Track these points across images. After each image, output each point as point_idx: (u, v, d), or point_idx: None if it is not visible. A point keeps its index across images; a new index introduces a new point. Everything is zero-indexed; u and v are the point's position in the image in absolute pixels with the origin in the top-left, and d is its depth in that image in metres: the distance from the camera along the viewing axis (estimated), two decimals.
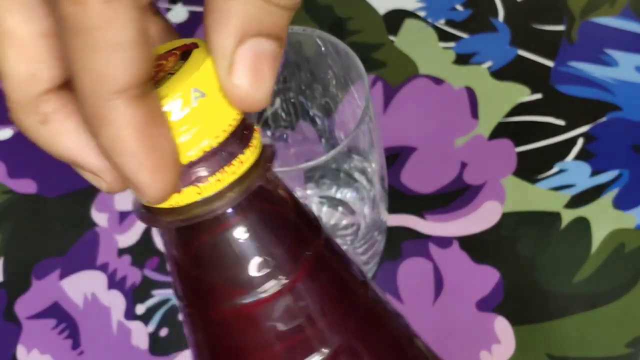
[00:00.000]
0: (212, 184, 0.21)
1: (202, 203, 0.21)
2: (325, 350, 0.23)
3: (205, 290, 0.23)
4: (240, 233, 0.22)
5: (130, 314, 0.45)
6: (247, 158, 0.21)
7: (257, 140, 0.22)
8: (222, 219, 0.22)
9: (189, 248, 0.22)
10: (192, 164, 0.20)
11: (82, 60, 0.17)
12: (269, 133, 0.45)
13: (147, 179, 0.19)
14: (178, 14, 0.57)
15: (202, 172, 0.20)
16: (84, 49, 0.17)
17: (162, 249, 0.24)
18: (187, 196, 0.21)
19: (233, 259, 0.22)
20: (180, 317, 0.25)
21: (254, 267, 0.22)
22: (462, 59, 0.53)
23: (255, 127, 0.22)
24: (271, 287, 0.22)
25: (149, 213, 0.21)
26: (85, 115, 0.18)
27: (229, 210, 0.21)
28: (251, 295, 0.22)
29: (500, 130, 0.50)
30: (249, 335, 0.23)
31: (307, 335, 0.23)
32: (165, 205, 0.21)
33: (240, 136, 0.21)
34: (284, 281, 0.22)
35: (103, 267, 0.47)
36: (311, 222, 0.24)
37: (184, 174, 0.20)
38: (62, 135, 0.20)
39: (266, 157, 0.22)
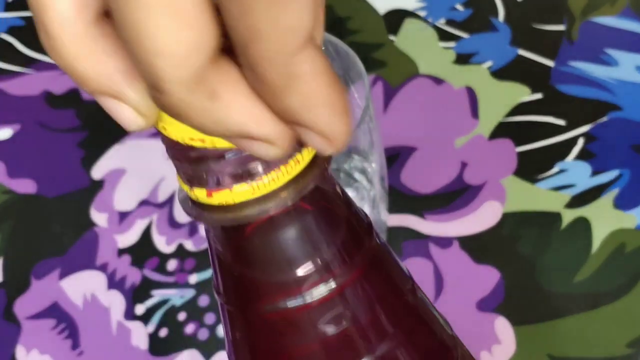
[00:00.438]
0: (266, 183, 0.19)
1: (253, 202, 0.20)
2: (372, 357, 0.22)
3: (250, 290, 0.22)
4: (291, 233, 0.21)
5: (129, 314, 0.45)
6: (303, 157, 0.20)
7: None
8: (273, 218, 0.21)
9: (235, 245, 0.21)
10: (247, 161, 0.19)
11: (272, 15, 0.16)
12: None
13: (341, 124, 0.18)
14: None
15: (256, 169, 0.19)
16: (275, 1, 0.16)
17: (206, 242, 0.23)
18: (239, 194, 0.20)
19: (282, 259, 0.21)
20: (220, 313, 0.24)
21: (303, 269, 0.21)
22: (463, 59, 0.53)
23: None
24: (320, 291, 0.21)
25: (197, 208, 0.20)
26: (270, 78, 0.17)
27: (282, 210, 0.20)
28: (298, 299, 0.21)
29: (501, 130, 0.50)
30: (292, 339, 0.22)
31: (354, 342, 0.22)
32: (215, 202, 0.20)
33: None
34: (333, 285, 0.21)
35: (102, 267, 0.47)
36: (363, 223, 0.22)
37: (237, 171, 0.19)
38: (234, 108, 0.18)
39: (323, 156, 0.20)
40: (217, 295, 0.23)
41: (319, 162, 0.20)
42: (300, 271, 0.21)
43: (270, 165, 0.19)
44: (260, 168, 0.19)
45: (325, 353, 0.22)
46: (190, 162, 0.19)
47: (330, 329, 0.22)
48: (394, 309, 0.22)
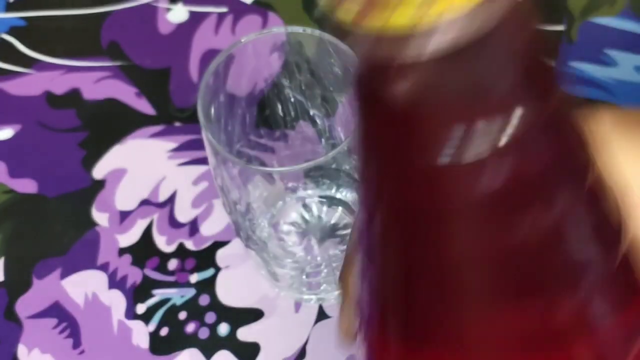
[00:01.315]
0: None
1: (446, 27, 0.15)
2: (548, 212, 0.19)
3: (419, 142, 0.17)
4: (484, 64, 0.16)
5: (130, 314, 0.45)
6: None
7: None
8: (462, 48, 0.16)
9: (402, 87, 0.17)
10: None
11: None
12: (269, 133, 0.45)
13: None
14: (178, 14, 0.57)
15: None
16: None
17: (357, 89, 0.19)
18: (430, 14, 0.15)
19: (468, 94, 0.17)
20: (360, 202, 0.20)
21: (489, 108, 0.17)
22: None
23: None
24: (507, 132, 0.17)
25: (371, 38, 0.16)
26: None
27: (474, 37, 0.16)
28: (475, 147, 0.17)
29: None
30: (460, 200, 0.18)
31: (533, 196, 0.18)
32: (401, 29, 0.15)
33: None
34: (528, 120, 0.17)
35: (104, 267, 0.47)
36: (552, 70, 0.18)
37: None
38: None
39: None
40: (357, 168, 0.19)
41: None
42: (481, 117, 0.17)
43: None
44: None
45: (492, 214, 0.18)
46: None
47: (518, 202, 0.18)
48: (574, 175, 0.19)
